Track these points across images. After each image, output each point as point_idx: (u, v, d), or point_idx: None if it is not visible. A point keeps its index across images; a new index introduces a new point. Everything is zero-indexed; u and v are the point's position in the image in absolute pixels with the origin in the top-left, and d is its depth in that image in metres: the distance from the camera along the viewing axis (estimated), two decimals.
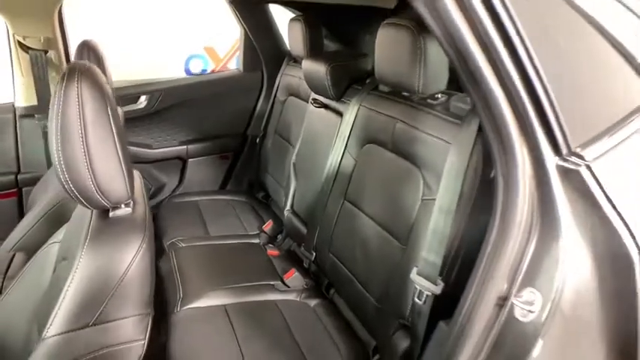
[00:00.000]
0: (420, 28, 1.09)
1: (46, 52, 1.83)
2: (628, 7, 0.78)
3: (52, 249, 1.10)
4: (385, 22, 1.17)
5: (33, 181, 1.86)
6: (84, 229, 0.77)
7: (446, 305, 0.96)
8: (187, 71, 3.23)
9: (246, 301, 1.46)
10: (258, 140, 2.30)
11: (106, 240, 0.75)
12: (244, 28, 2.21)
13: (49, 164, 1.87)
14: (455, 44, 0.73)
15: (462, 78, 0.78)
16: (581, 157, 0.77)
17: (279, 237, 1.97)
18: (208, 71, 3.29)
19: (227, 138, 2.39)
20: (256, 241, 1.91)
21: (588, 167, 0.76)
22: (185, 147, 2.29)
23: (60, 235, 1.14)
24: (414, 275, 1.07)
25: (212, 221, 2.02)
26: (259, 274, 1.62)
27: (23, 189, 1.98)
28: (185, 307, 1.39)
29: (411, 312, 1.10)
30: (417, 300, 1.07)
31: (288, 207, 1.85)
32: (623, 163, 0.82)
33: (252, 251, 1.82)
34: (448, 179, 1.03)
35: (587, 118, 0.79)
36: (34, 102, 1.89)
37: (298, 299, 1.51)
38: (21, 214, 1.97)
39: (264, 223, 1.99)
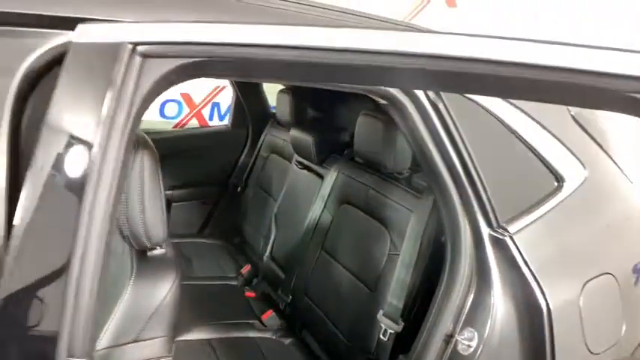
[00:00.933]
0: (391, 120, 1.40)
1: None
2: (539, 123, 1.12)
3: None
4: (364, 112, 1.48)
5: None
6: (126, 266, 0.97)
7: (405, 341, 1.21)
8: (162, 114, 3.42)
9: (228, 337, 1.63)
10: (239, 189, 2.53)
11: (148, 275, 0.95)
12: (236, 92, 2.49)
13: None
14: (416, 141, 1.02)
15: (421, 165, 1.07)
16: (506, 230, 1.06)
17: (255, 280, 2.15)
18: (182, 115, 3.51)
19: (210, 185, 2.59)
20: (234, 283, 2.09)
21: (511, 237, 1.05)
22: (171, 192, 2.47)
23: None
24: (380, 316, 1.31)
25: (193, 263, 2.18)
26: (239, 313, 1.80)
27: None
28: (175, 340, 1.54)
29: (376, 347, 1.32)
30: (381, 337, 1.30)
31: (267, 253, 2.05)
32: (538, 235, 1.11)
33: (231, 292, 2.00)
34: (409, 240, 1.31)
35: (512, 201, 1.09)
36: None
37: (274, 337, 1.69)
38: None
39: (240, 267, 2.17)
